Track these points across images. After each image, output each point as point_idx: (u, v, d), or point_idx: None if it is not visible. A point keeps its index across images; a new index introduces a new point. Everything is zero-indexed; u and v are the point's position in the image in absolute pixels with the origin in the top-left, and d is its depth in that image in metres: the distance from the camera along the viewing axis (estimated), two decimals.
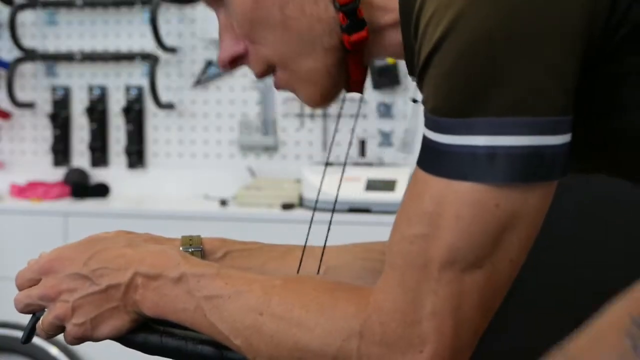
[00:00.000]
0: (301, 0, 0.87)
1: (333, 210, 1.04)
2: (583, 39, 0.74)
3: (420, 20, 0.77)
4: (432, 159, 0.76)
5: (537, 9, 0.73)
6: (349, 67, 0.91)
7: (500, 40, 0.72)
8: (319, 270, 1.04)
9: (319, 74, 0.90)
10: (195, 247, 1.03)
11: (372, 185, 2.81)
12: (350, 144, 1.18)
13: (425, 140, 0.77)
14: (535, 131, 0.73)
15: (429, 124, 0.77)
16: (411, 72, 0.91)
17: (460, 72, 0.73)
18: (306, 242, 1.04)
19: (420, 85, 0.79)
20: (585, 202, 1.24)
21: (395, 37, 0.89)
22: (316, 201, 1.09)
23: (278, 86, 0.94)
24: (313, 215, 1.03)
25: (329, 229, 1.02)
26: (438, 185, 0.75)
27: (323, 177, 1.10)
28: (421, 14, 0.77)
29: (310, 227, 1.02)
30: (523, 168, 0.73)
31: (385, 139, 3.14)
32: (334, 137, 1.18)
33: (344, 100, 1.01)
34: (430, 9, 0.75)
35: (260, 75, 0.93)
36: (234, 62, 0.93)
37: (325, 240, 1.05)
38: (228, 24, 0.92)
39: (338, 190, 1.03)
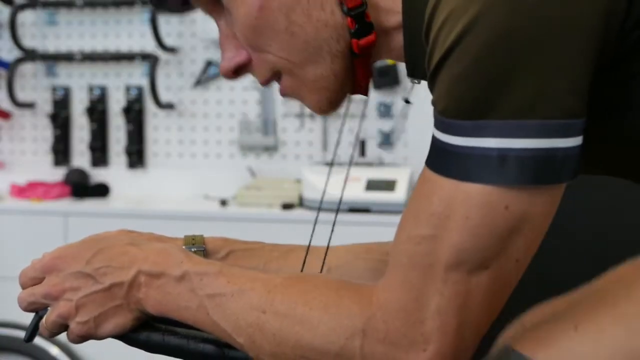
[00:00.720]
0: (307, 6, 0.86)
1: (341, 210, 1.04)
2: (598, 41, 0.74)
3: (433, 23, 0.77)
4: (442, 160, 0.76)
5: (552, 13, 0.72)
6: (356, 71, 0.90)
7: (513, 44, 0.72)
8: (321, 270, 1.04)
9: (326, 80, 0.89)
10: (198, 247, 1.03)
11: (372, 185, 2.82)
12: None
13: (435, 141, 0.77)
14: (546, 134, 0.73)
15: (439, 126, 0.77)
16: (411, 74, 0.90)
17: (472, 75, 0.73)
18: (310, 241, 1.05)
19: (431, 88, 0.79)
20: (600, 200, 1.24)
21: (398, 39, 0.89)
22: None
23: (284, 93, 0.92)
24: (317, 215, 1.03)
25: (332, 230, 1.02)
26: (447, 186, 0.75)
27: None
28: (434, 17, 0.77)
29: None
30: (533, 171, 0.73)
31: (385, 139, 3.14)
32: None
33: (349, 101, 1.01)
34: (443, 12, 0.75)
35: (265, 82, 0.92)
36: (238, 71, 0.92)
37: (329, 241, 1.05)
38: (229, 32, 0.91)
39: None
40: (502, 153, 0.73)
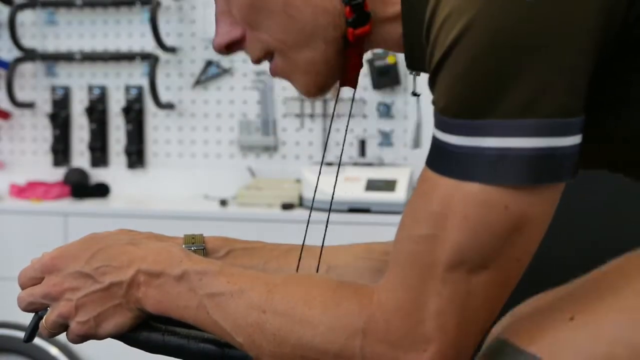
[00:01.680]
0: None
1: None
2: (598, 38, 0.74)
3: (434, 22, 0.77)
4: (441, 160, 0.76)
5: (550, 12, 0.72)
6: (348, 60, 0.90)
7: (512, 44, 0.72)
8: (317, 269, 1.04)
9: (317, 65, 0.89)
10: (198, 246, 1.03)
11: (372, 185, 2.81)
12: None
13: (435, 141, 0.77)
14: (545, 133, 0.72)
15: (439, 125, 0.77)
16: (410, 66, 0.91)
17: (471, 74, 0.73)
18: (304, 239, 1.04)
19: (432, 87, 0.79)
20: (600, 198, 1.23)
21: (396, 29, 0.89)
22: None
23: (274, 73, 0.92)
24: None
25: (326, 228, 1.02)
26: (446, 185, 0.75)
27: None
28: (434, 16, 0.77)
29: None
30: (532, 170, 0.73)
31: (385, 139, 3.14)
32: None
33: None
34: (444, 12, 0.75)
35: (257, 61, 0.92)
36: (231, 47, 0.92)
37: (323, 240, 1.05)
38: (226, 8, 0.91)
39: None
40: (501, 152, 0.73)
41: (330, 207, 1.04)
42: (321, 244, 1.05)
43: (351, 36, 0.87)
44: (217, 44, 0.92)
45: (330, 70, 0.90)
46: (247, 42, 0.91)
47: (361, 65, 0.93)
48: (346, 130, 1.12)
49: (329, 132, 1.11)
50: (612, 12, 0.74)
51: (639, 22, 0.75)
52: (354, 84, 0.94)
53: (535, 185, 0.74)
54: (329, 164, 3.01)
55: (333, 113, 1.11)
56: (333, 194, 1.08)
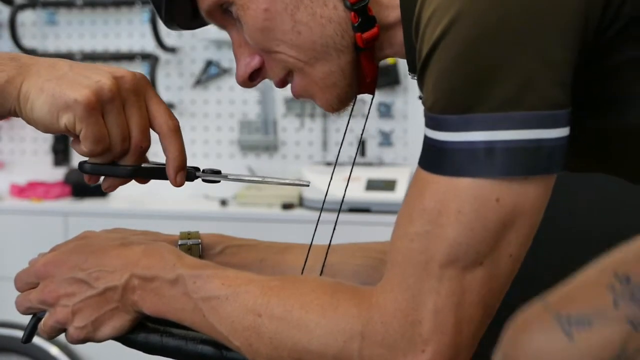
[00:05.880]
0: (311, 4, 0.88)
1: (339, 211, 1.04)
2: (579, 32, 0.75)
3: (421, 20, 0.78)
4: (432, 157, 0.77)
5: (533, 6, 0.73)
6: (362, 66, 0.92)
7: (497, 37, 0.73)
8: (321, 272, 1.04)
9: (334, 77, 0.91)
10: (194, 241, 1.03)
11: (372, 185, 2.82)
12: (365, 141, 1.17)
13: (426, 139, 0.78)
14: (532, 125, 0.73)
15: (429, 123, 0.77)
16: (411, 70, 0.91)
17: (457, 69, 0.74)
18: (312, 241, 1.04)
19: (420, 85, 0.79)
20: (593, 198, 1.24)
21: (399, 35, 0.90)
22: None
23: (297, 93, 0.94)
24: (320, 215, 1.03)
25: (333, 229, 1.02)
26: (438, 182, 0.76)
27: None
28: (421, 14, 0.78)
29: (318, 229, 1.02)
30: (522, 162, 0.73)
31: (385, 139, 3.14)
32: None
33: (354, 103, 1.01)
34: (429, 9, 0.76)
35: (281, 82, 0.94)
36: (253, 77, 0.94)
37: (330, 240, 1.05)
38: (241, 40, 0.93)
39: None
40: (490, 145, 0.73)
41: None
42: (321, 244, 1.06)
43: (360, 41, 0.89)
44: (240, 77, 0.94)
45: (347, 80, 0.91)
46: (267, 66, 0.93)
47: (377, 70, 0.94)
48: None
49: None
50: (590, 9, 0.75)
51: (613, 23, 0.76)
52: (371, 91, 0.95)
53: (525, 177, 0.74)
54: (329, 164, 3.01)
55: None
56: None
